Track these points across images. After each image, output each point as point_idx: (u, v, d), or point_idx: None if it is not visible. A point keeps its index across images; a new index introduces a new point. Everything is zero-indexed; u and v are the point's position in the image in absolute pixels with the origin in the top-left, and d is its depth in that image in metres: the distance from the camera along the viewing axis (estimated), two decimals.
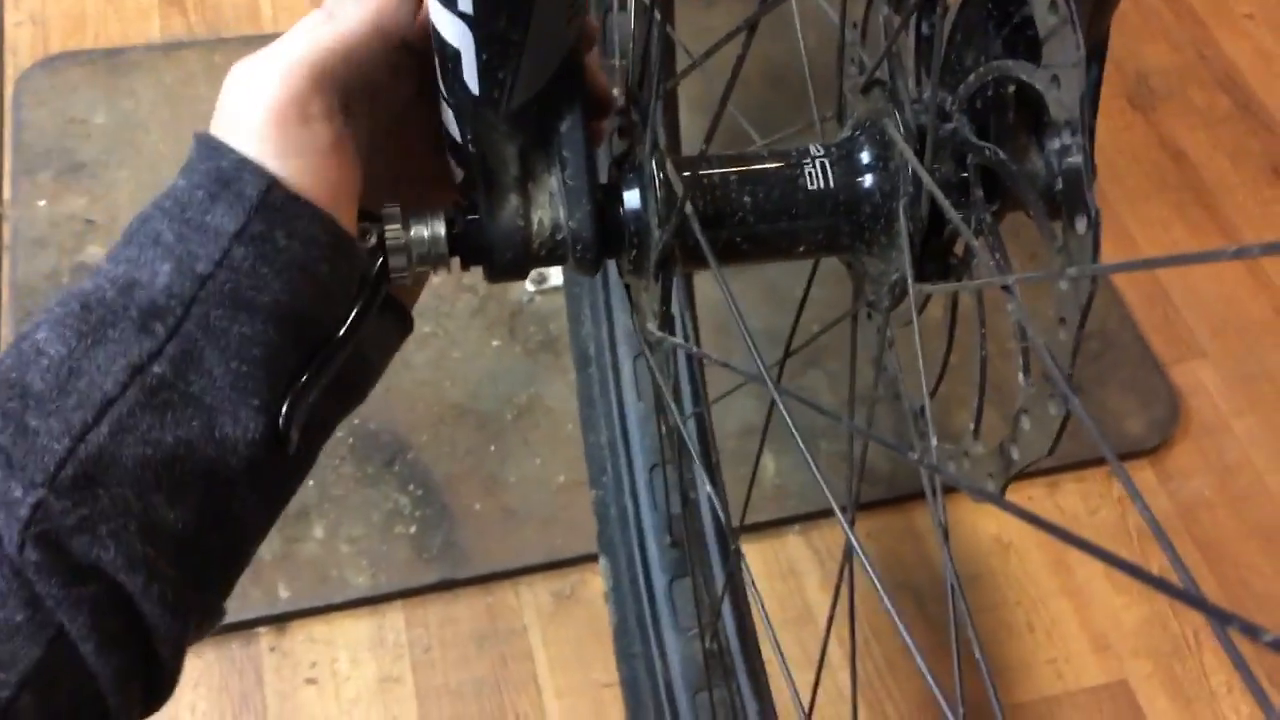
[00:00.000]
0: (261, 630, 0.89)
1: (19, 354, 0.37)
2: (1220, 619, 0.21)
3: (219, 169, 0.39)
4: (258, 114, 0.40)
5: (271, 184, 0.38)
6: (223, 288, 0.37)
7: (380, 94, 0.43)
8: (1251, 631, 0.20)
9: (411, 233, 0.43)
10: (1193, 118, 1.25)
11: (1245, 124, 1.25)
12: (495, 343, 1.03)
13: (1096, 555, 0.25)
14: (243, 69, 0.41)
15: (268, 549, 0.91)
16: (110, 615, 0.36)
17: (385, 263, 0.43)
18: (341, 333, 0.41)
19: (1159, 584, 0.23)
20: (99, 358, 0.36)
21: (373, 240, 0.42)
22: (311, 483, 0.94)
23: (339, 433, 0.97)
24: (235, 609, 0.87)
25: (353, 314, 0.41)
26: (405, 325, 0.47)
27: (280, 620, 0.89)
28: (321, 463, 0.95)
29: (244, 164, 0.39)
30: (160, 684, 0.40)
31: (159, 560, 0.37)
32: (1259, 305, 1.13)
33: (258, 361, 0.38)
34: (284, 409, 0.39)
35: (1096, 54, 0.42)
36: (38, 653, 0.34)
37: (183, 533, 0.38)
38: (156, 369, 0.37)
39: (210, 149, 0.39)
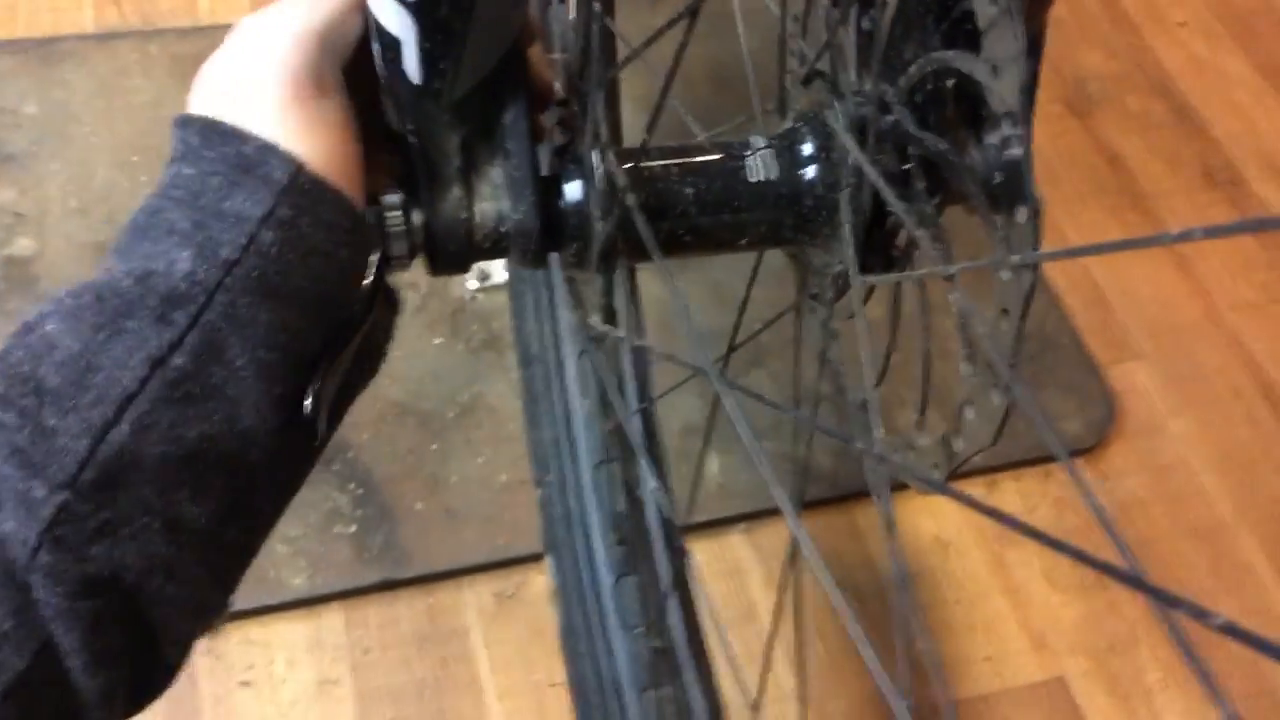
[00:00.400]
0: None
1: (28, 347, 0.35)
2: (1167, 604, 0.21)
3: (240, 155, 0.37)
4: (278, 86, 0.38)
5: (299, 168, 0.37)
6: (250, 274, 0.36)
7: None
8: (1200, 615, 0.20)
9: (413, 219, 0.42)
10: (1129, 123, 1.28)
11: (1180, 129, 1.28)
12: (437, 340, 1.02)
13: (1041, 541, 0.26)
14: (252, 33, 0.40)
15: None
16: (109, 629, 0.35)
17: (387, 246, 0.42)
18: (361, 316, 0.40)
19: (1107, 569, 0.23)
20: (116, 350, 0.35)
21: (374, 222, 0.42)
22: None
23: None
24: None
25: (371, 296, 0.41)
26: (397, 304, 0.46)
27: None
28: None
29: (268, 149, 0.37)
30: (155, 684, 0.39)
31: (181, 560, 0.36)
32: (1193, 308, 1.15)
33: (283, 349, 0.37)
34: (310, 397, 0.38)
35: (1033, 48, 0.42)
36: (22, 664, 0.33)
37: (205, 528, 0.37)
38: (177, 361, 0.35)
39: (222, 134, 0.38)
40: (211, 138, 0.38)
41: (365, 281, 0.41)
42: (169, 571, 0.36)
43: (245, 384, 0.36)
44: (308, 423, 0.38)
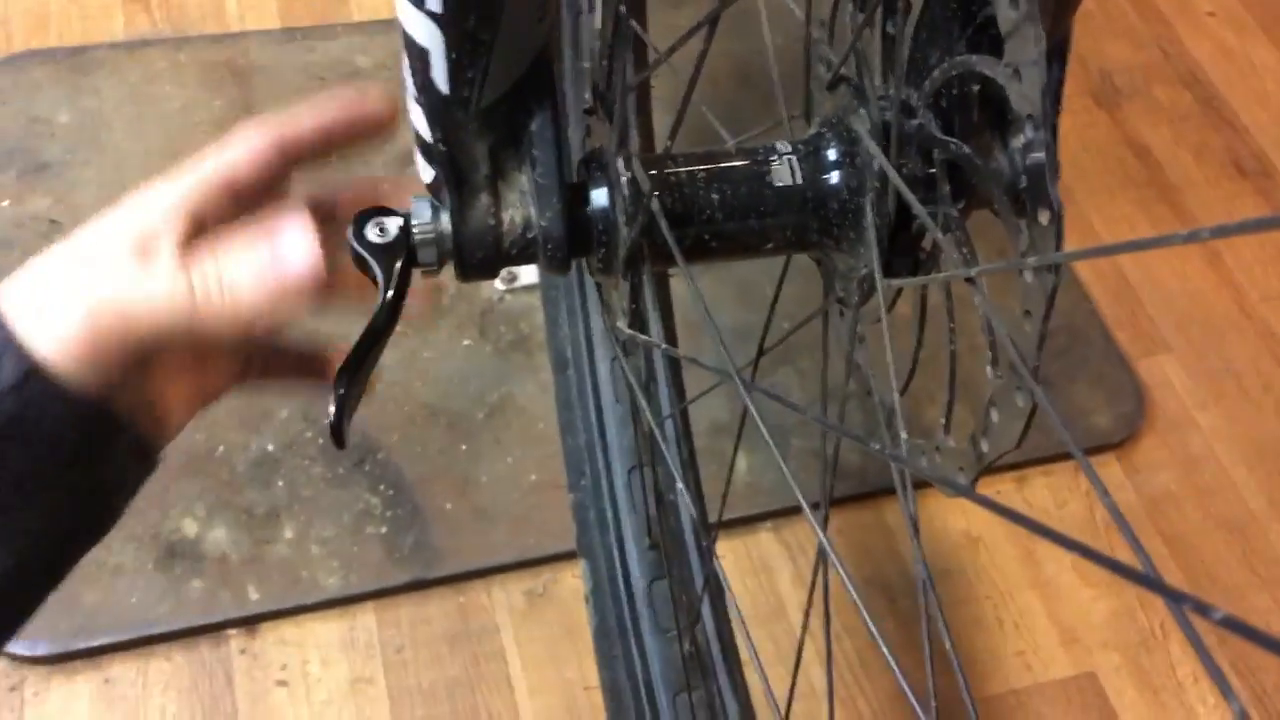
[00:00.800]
0: (231, 632, 0.88)
1: None
2: (1175, 599, 0.21)
3: None
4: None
5: (33, 369, 0.39)
6: None
7: None
8: (1202, 610, 0.20)
9: (441, 224, 0.43)
10: (1156, 115, 1.27)
11: (1208, 120, 1.27)
12: (466, 342, 1.03)
13: (1056, 541, 0.26)
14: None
15: (235, 550, 0.90)
16: None
17: (408, 262, 0.43)
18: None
19: (1114, 565, 0.24)
20: None
21: (392, 234, 0.43)
22: (281, 484, 0.94)
23: (308, 433, 0.97)
24: (204, 611, 0.87)
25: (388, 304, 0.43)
26: (149, 464, 0.46)
27: (250, 622, 0.89)
28: (291, 464, 0.95)
29: (8, 343, 0.39)
30: None
31: None
32: (1222, 300, 1.14)
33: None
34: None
35: (1059, 52, 0.42)
36: None
37: None
38: None
39: None
40: None
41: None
42: None
43: None
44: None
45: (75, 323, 0.39)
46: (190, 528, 0.91)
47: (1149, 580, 0.24)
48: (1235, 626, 0.20)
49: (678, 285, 0.89)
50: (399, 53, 0.43)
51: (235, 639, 0.88)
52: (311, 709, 0.86)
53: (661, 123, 0.94)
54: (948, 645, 0.38)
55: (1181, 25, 1.35)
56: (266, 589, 0.89)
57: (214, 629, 0.88)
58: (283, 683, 0.87)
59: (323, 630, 0.89)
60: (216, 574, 0.89)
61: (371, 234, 0.43)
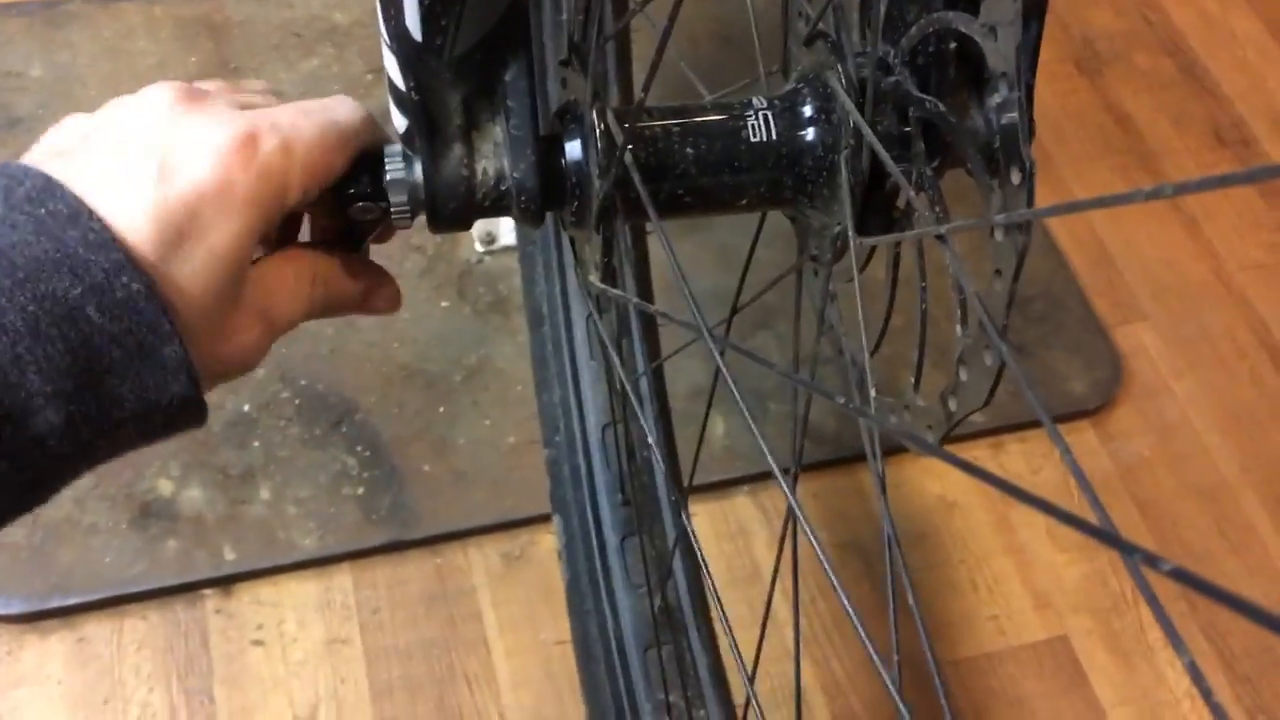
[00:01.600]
0: (207, 592, 0.88)
1: None
2: (1127, 551, 0.21)
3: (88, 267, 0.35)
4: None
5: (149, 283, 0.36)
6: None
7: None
8: (1152, 562, 0.20)
9: (414, 173, 0.42)
10: (1137, 82, 1.27)
11: (1188, 88, 1.27)
12: (444, 304, 1.03)
13: (1015, 494, 0.26)
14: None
15: (211, 510, 0.90)
16: None
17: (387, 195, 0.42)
18: None
19: (1068, 518, 0.24)
20: None
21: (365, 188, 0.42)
22: (257, 444, 0.94)
23: (284, 394, 0.96)
24: (179, 571, 0.87)
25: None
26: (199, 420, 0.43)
27: (226, 582, 0.89)
28: (267, 424, 0.95)
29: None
30: None
31: None
32: (1199, 268, 1.14)
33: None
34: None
35: (1036, 10, 0.42)
36: None
37: None
38: None
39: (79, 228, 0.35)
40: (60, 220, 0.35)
41: None
42: None
43: None
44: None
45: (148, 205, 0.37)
46: (165, 487, 0.91)
47: (1103, 533, 0.24)
48: (1184, 578, 0.20)
49: (655, 246, 0.89)
50: (374, 10, 0.42)
51: (211, 599, 0.88)
52: (287, 668, 0.86)
53: (642, 79, 0.93)
54: (910, 601, 0.39)
55: None
56: (242, 549, 0.89)
57: (189, 589, 0.88)
58: (258, 642, 0.87)
59: (299, 590, 0.89)
60: (192, 534, 0.89)
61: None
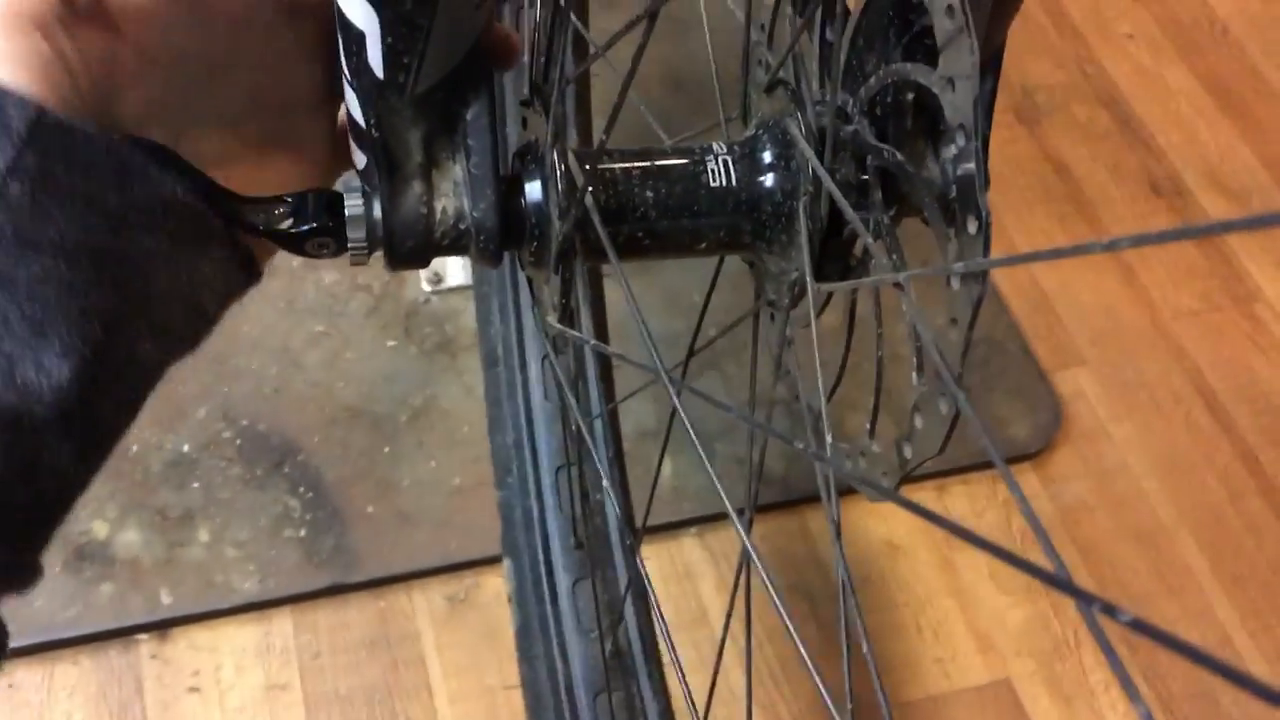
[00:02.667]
0: (142, 637, 0.86)
1: None
2: (1085, 601, 0.21)
3: None
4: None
5: (39, 112, 0.34)
6: (2, 230, 0.33)
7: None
8: (1111, 612, 0.20)
9: (372, 209, 0.42)
10: (1075, 132, 1.30)
11: (1124, 139, 1.30)
12: (390, 343, 1.02)
13: (975, 543, 0.26)
14: None
15: (148, 553, 0.88)
16: None
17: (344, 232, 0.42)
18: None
19: (1029, 568, 0.24)
20: None
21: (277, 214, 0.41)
22: (197, 485, 0.92)
23: (226, 433, 0.95)
24: (114, 615, 0.85)
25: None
26: (250, 274, 0.42)
27: (162, 627, 0.87)
28: (208, 464, 0.93)
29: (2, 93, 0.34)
30: None
31: None
32: (1136, 314, 1.17)
33: (53, 302, 0.34)
34: (95, 350, 0.35)
35: (993, 64, 0.43)
36: None
37: None
38: None
39: None
40: None
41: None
42: None
43: (18, 339, 0.34)
44: (100, 377, 0.36)
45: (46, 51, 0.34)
46: (100, 529, 0.89)
47: (1061, 582, 0.24)
48: (1143, 629, 0.21)
49: (612, 287, 0.89)
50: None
51: (146, 644, 0.86)
52: (224, 715, 0.84)
53: (601, 123, 0.94)
54: (865, 648, 0.39)
55: (1100, 46, 1.38)
56: (179, 593, 0.87)
57: (124, 633, 0.86)
58: (195, 689, 0.85)
59: (237, 635, 0.87)
60: (127, 577, 0.87)
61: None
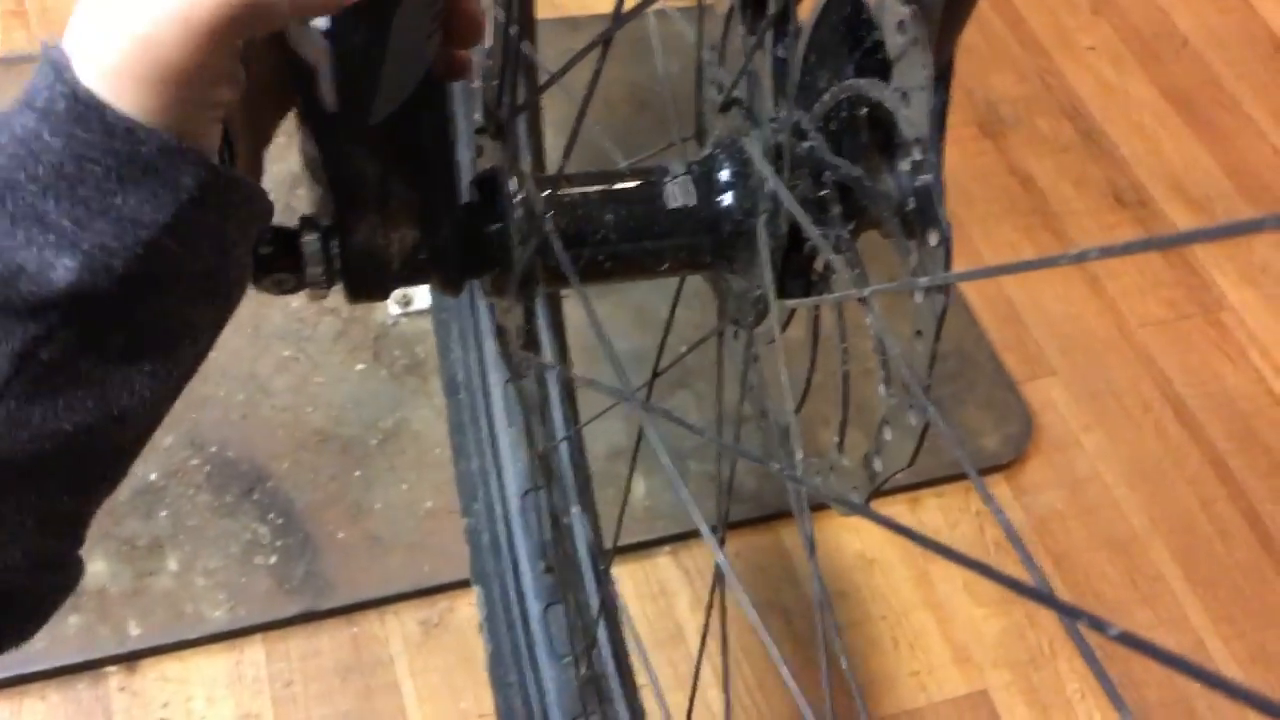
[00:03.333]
0: (110, 670, 0.85)
1: None
2: (1070, 615, 0.21)
3: (133, 153, 0.32)
4: (193, 53, 0.32)
5: (211, 172, 0.34)
6: (142, 275, 0.33)
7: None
8: (1098, 626, 0.20)
9: (330, 246, 0.41)
10: (1039, 145, 1.31)
11: (1088, 151, 1.31)
12: (359, 366, 1.01)
13: (953, 559, 0.26)
14: None
15: (115, 584, 0.87)
16: None
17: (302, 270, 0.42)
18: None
19: (1012, 584, 0.24)
20: None
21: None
22: (165, 514, 0.91)
23: (193, 460, 0.94)
24: (81, 648, 0.84)
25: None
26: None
27: (130, 659, 0.85)
28: (176, 492, 0.92)
29: (171, 152, 0.33)
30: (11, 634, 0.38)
31: (57, 550, 0.37)
32: (1103, 324, 1.17)
33: (171, 333, 0.36)
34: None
35: (943, 77, 0.43)
36: None
37: (76, 512, 0.37)
38: (44, 354, 0.32)
39: (105, 123, 0.32)
40: (88, 119, 0.32)
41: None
42: (46, 564, 0.36)
43: (123, 370, 0.34)
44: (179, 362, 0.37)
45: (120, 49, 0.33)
46: None
47: (1046, 597, 0.24)
48: (1131, 642, 0.20)
49: (572, 308, 0.89)
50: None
51: (114, 676, 0.85)
52: None
53: (555, 146, 0.94)
54: (843, 663, 0.39)
55: (1062, 59, 1.39)
56: (148, 623, 0.86)
57: (92, 666, 0.85)
58: None
59: (208, 665, 0.86)
60: (95, 609, 0.86)
61: None
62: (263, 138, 0.43)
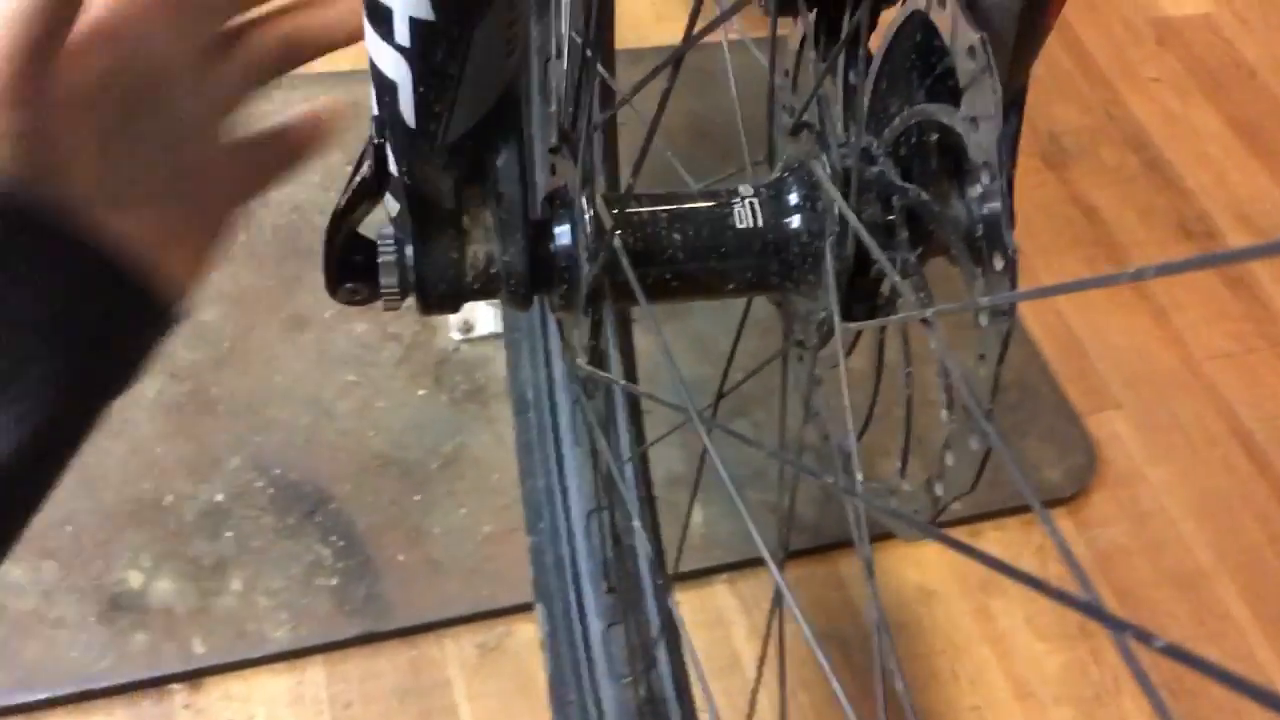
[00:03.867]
0: (175, 687, 0.86)
1: None
2: (1117, 627, 0.21)
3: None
4: None
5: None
6: None
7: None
8: (1144, 638, 0.20)
9: (405, 255, 0.42)
10: (1103, 176, 1.30)
11: (1153, 182, 1.30)
12: (421, 392, 1.02)
13: (1007, 573, 0.26)
14: None
15: (181, 603, 0.88)
16: None
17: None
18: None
19: (1060, 595, 0.24)
20: None
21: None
22: (230, 534, 0.92)
23: (258, 483, 0.95)
24: (148, 665, 0.85)
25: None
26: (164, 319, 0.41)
27: (195, 676, 0.87)
28: (240, 514, 0.93)
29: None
30: None
31: None
32: (1169, 356, 1.16)
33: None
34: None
35: (1015, 104, 0.43)
36: None
37: None
38: None
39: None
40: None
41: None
42: None
43: None
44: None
45: None
46: (135, 579, 0.89)
47: (1093, 609, 0.24)
48: (1176, 655, 0.20)
49: (640, 334, 0.89)
50: (356, 104, 0.43)
51: (179, 693, 0.86)
52: None
53: (628, 169, 0.95)
54: (900, 687, 0.38)
55: (1126, 90, 1.38)
56: (212, 642, 0.87)
57: (158, 683, 0.86)
58: None
59: (270, 684, 0.87)
60: (161, 627, 0.87)
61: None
62: (211, 228, 0.43)
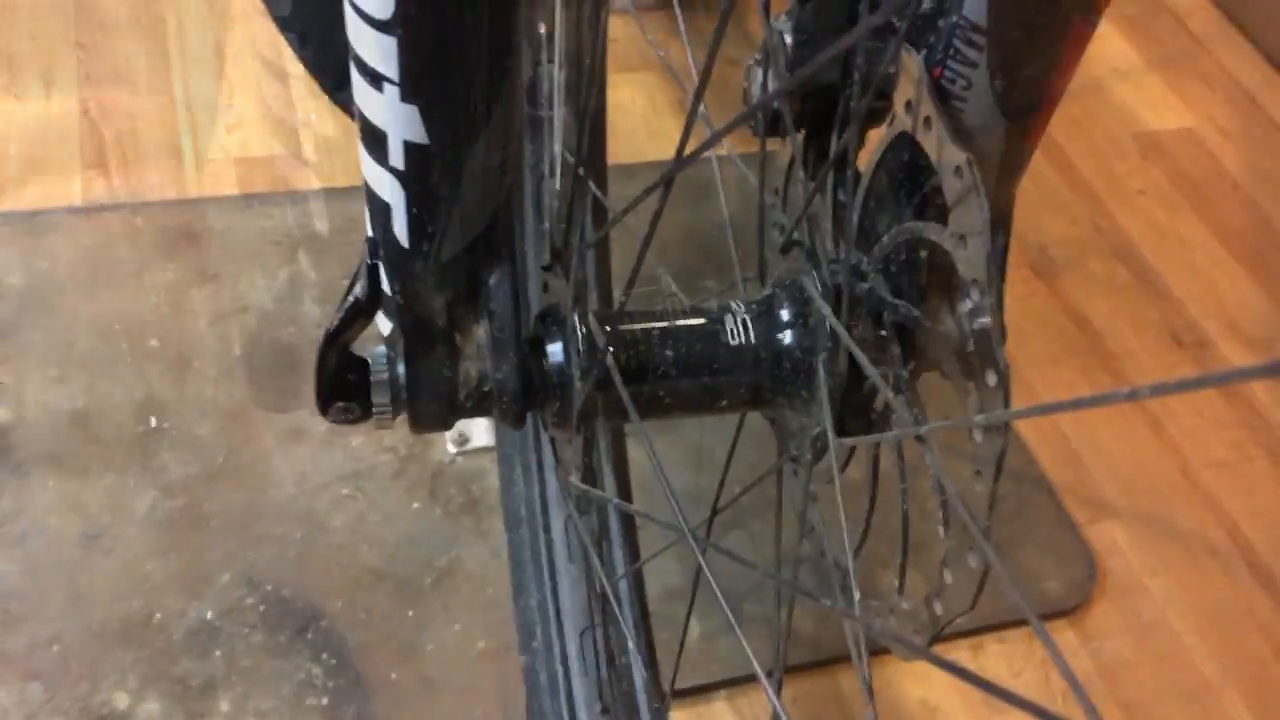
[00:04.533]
0: None
1: None
2: None
3: None
4: None
5: None
6: None
7: None
8: None
9: (396, 373, 0.42)
10: (1093, 286, 1.31)
11: (1143, 292, 1.31)
12: (415, 505, 1.02)
13: (1008, 700, 0.25)
14: None
15: None
16: None
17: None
18: None
19: None
20: None
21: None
22: (219, 653, 0.91)
23: (249, 599, 0.94)
24: None
25: None
26: None
27: None
28: (230, 632, 0.92)
29: None
30: None
31: None
32: (1165, 466, 1.16)
33: None
34: None
35: (1002, 221, 0.44)
36: None
37: None
38: None
39: None
40: None
41: None
42: None
43: None
44: None
45: None
46: (121, 700, 0.87)
47: None
48: None
49: (634, 446, 0.89)
50: (354, 220, 0.43)
51: None
52: None
53: (621, 287, 0.95)
54: None
55: (1113, 202, 1.40)
56: None
57: None
58: None
59: None
60: None
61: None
62: None
